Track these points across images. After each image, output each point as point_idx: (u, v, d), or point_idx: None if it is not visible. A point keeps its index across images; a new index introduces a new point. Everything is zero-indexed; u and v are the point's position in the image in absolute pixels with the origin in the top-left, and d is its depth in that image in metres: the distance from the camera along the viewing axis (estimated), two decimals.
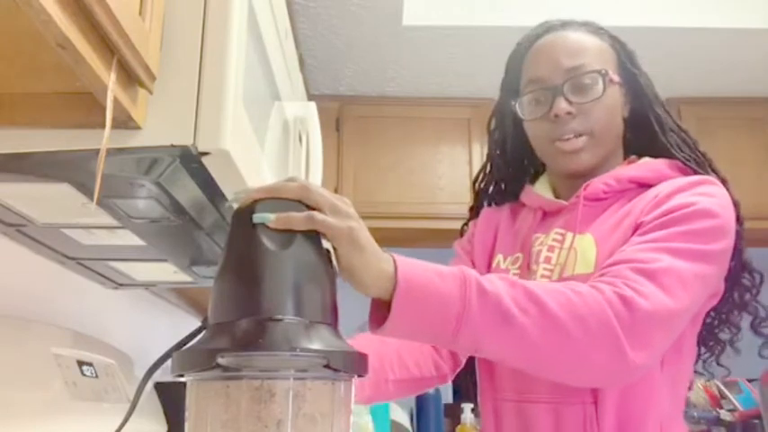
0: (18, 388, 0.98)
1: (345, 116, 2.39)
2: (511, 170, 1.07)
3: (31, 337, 1.06)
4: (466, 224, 1.12)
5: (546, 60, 0.95)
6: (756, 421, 2.19)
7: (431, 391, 2.69)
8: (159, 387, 1.55)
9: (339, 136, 2.36)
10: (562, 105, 0.91)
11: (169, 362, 0.54)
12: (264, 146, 0.93)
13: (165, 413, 1.54)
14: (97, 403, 1.17)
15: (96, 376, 1.21)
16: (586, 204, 0.92)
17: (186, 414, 0.52)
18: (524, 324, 0.68)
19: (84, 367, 1.17)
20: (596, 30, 0.98)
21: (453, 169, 2.36)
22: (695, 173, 0.92)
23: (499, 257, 0.99)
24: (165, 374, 0.54)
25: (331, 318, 0.56)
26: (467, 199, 2.33)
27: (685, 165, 0.93)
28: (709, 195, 0.84)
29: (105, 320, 1.42)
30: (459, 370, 1.04)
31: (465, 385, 1.06)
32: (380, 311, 0.67)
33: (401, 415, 2.55)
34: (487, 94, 2.39)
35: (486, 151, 1.11)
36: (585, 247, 0.88)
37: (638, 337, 0.70)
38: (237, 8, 0.75)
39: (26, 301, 1.11)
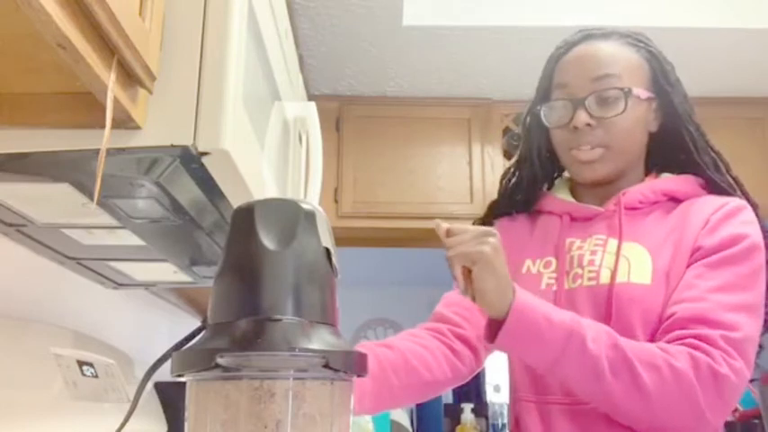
0: (18, 388, 0.98)
1: (345, 116, 2.39)
2: (539, 170, 1.07)
3: (31, 337, 1.06)
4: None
5: (574, 70, 0.97)
6: (756, 421, 2.19)
7: None
8: (159, 387, 1.55)
9: (339, 136, 2.36)
10: (582, 118, 0.94)
11: (169, 362, 0.54)
12: (264, 146, 0.93)
13: (165, 413, 1.54)
14: (97, 403, 1.17)
15: (96, 376, 1.21)
16: (626, 213, 0.95)
17: (186, 414, 0.52)
18: (613, 387, 0.78)
19: (84, 367, 1.17)
20: (635, 42, 0.99)
21: (453, 169, 2.35)
22: (724, 193, 0.96)
23: (528, 263, 1.01)
24: (165, 374, 0.54)
25: (330, 318, 0.56)
26: (467, 199, 2.36)
27: (717, 187, 0.96)
28: (752, 223, 0.90)
29: (105, 320, 1.42)
30: (478, 370, 1.04)
31: None
32: (495, 327, 0.82)
33: (401, 415, 2.55)
34: (487, 94, 2.40)
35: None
36: (638, 256, 0.91)
37: (720, 406, 0.79)
38: (237, 8, 0.75)
39: (26, 301, 1.11)
